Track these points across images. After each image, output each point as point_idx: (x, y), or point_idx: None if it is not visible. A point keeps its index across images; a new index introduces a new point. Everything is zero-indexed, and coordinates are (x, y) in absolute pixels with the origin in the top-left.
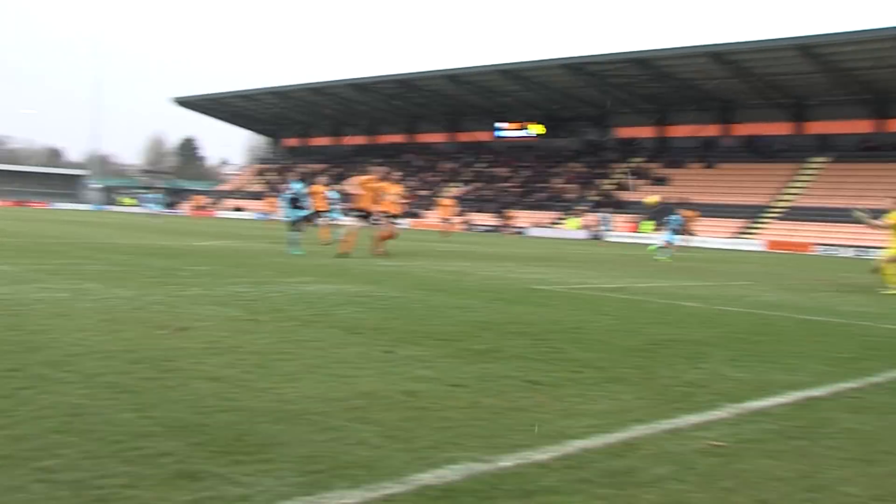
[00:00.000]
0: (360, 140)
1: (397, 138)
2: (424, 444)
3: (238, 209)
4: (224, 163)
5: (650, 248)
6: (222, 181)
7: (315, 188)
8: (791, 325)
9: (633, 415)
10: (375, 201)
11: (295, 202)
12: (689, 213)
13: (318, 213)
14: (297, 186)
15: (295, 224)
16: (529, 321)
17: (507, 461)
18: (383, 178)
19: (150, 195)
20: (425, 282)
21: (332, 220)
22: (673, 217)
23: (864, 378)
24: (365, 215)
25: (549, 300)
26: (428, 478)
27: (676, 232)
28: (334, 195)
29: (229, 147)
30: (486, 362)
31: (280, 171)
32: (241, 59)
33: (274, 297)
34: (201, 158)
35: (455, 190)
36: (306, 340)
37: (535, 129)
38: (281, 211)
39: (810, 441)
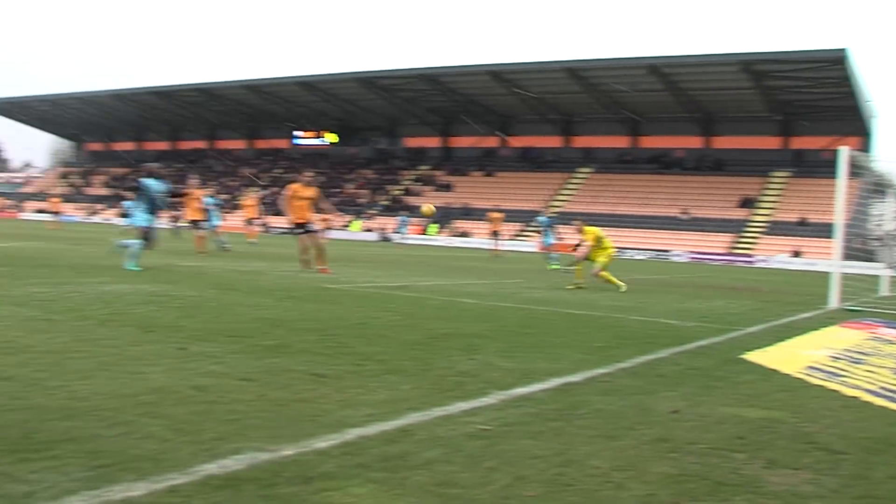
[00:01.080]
0: (162, 146)
1: (199, 144)
2: (211, 436)
3: (41, 211)
4: (27, 165)
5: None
6: (25, 183)
7: (192, 193)
8: (555, 318)
9: (408, 403)
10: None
11: (152, 204)
12: (495, 215)
13: (194, 222)
14: (154, 186)
15: (146, 231)
16: (318, 318)
17: (289, 450)
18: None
19: None
20: (221, 281)
21: (211, 228)
22: (543, 219)
23: (614, 364)
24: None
25: (338, 298)
26: (212, 468)
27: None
28: (211, 200)
29: (32, 150)
30: (275, 357)
31: (83, 175)
32: (46, 62)
33: (72, 297)
34: (4, 161)
35: (255, 194)
36: (101, 339)
37: (330, 138)
38: (135, 216)
39: (565, 422)
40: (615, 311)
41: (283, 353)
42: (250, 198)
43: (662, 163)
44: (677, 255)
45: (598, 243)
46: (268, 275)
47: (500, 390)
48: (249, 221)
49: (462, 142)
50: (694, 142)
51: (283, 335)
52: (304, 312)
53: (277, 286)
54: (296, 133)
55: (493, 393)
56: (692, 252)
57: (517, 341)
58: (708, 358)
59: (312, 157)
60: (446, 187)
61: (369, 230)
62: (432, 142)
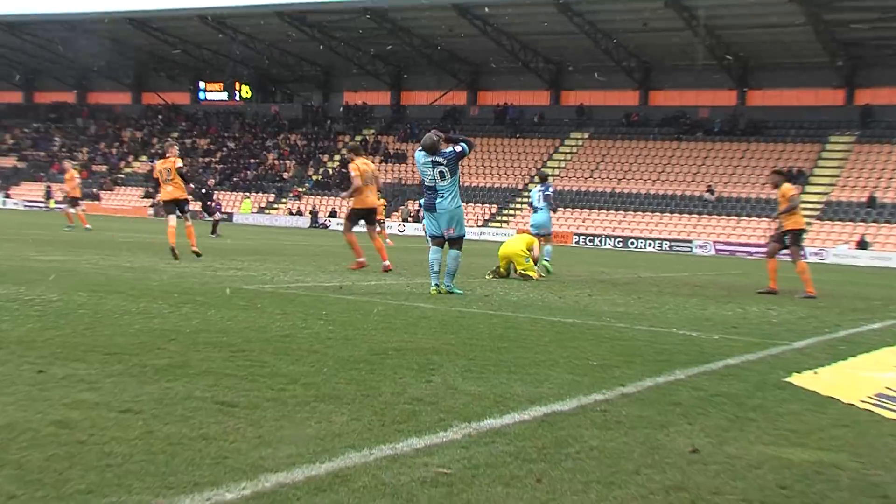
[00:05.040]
0: (12, 97)
1: (64, 97)
2: (78, 488)
3: None
4: None
5: None
6: None
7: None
8: (538, 328)
9: (345, 440)
10: None
11: None
12: None
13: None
14: None
15: None
16: (227, 329)
17: (185, 502)
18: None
19: None
20: (96, 281)
21: None
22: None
23: (613, 388)
24: None
25: (255, 302)
26: None
27: None
28: None
29: None
30: (169, 381)
31: None
32: None
33: None
34: None
35: (73, 166)
36: None
37: (244, 92)
38: None
39: (549, 463)
40: (616, 318)
41: (179, 376)
42: (69, 171)
43: (681, 125)
44: (700, 247)
45: None
46: (161, 272)
47: (465, 422)
48: (73, 202)
49: (419, 98)
50: (724, 97)
51: (179, 351)
52: (209, 321)
53: (174, 287)
54: (202, 85)
55: (455, 425)
56: (720, 243)
57: (487, 358)
58: (740, 381)
59: (222, 117)
60: (399, 158)
61: (298, 213)
62: (380, 98)
